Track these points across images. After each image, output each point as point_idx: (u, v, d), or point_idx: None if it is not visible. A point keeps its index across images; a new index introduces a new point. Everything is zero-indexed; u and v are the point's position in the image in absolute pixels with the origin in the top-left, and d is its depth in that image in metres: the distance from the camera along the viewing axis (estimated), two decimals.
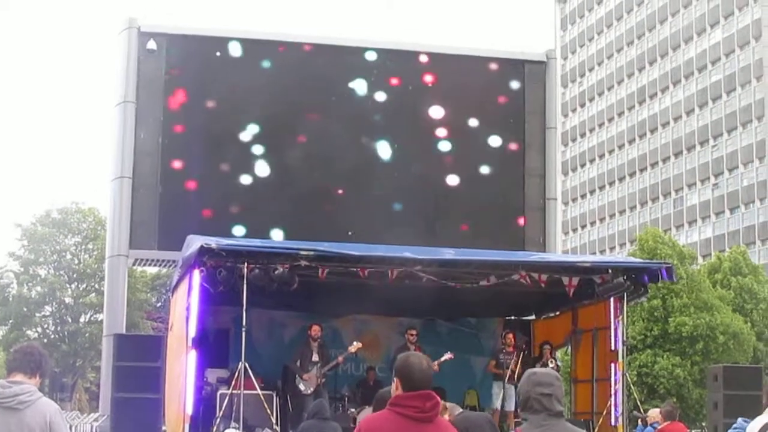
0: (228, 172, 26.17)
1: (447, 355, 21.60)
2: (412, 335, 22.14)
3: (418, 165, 27.21)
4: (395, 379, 6.64)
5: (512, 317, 26.89)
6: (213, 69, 26.61)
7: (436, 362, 21.04)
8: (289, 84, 26.80)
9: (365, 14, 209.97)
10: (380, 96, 27.22)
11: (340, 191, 26.56)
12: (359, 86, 27.14)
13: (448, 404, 13.50)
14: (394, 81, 27.42)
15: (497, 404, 22.53)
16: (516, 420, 20.64)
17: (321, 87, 27.04)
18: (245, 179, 26.14)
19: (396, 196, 26.94)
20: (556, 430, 6.23)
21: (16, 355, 7.69)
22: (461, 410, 13.91)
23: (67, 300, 77.32)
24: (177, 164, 25.98)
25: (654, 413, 19.36)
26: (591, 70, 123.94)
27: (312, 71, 27.01)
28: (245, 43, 26.85)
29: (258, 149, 26.31)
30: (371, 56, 27.38)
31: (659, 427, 14.84)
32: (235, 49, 26.75)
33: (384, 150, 27.04)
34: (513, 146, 27.81)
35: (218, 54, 26.66)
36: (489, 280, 21.59)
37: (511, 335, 23.20)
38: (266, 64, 26.82)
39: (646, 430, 20.97)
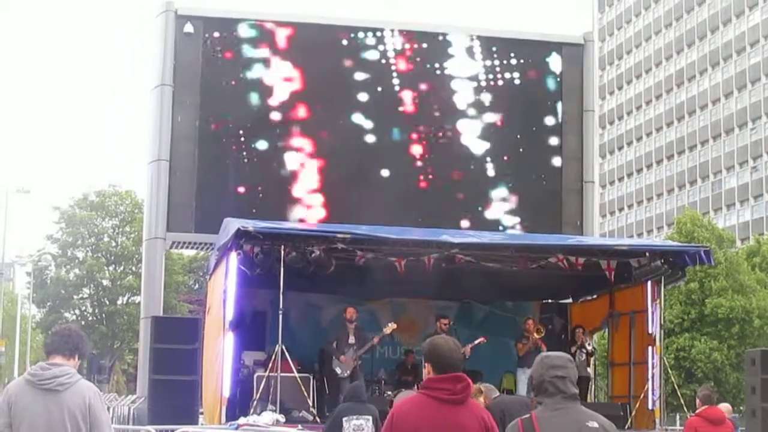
0: (266, 155, 26.18)
1: (479, 339, 21.54)
2: (444, 324, 21.81)
3: (454, 147, 27.13)
4: (425, 363, 6.67)
5: (549, 301, 26.86)
6: (249, 51, 26.64)
7: (468, 346, 21.02)
8: (326, 66, 26.78)
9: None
10: (412, 78, 27.18)
11: (382, 174, 26.52)
12: (392, 67, 27.08)
13: (484, 386, 13.46)
14: (428, 63, 27.36)
15: (522, 390, 22.36)
16: None
17: (359, 69, 27.03)
18: (282, 163, 26.16)
19: (433, 180, 26.87)
20: (572, 413, 6.19)
21: (55, 337, 7.70)
22: (498, 394, 13.88)
23: (105, 282, 77.62)
24: (214, 146, 26.04)
25: (723, 407, 18.93)
26: (629, 52, 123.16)
27: (348, 54, 27.03)
28: (282, 25, 26.83)
29: (295, 129, 26.31)
30: (396, 39, 27.28)
31: (697, 411, 14.71)
32: (272, 31, 26.77)
33: (416, 134, 27.01)
34: (550, 129, 27.70)
35: (255, 36, 26.69)
36: (526, 264, 21.57)
37: (530, 321, 23.04)
38: (301, 46, 26.79)
39: None
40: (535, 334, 22.34)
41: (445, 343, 6.71)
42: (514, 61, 27.74)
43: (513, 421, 6.26)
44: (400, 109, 26.96)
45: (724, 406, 19.08)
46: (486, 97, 27.36)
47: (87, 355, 8.02)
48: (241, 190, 26.01)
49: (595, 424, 6.17)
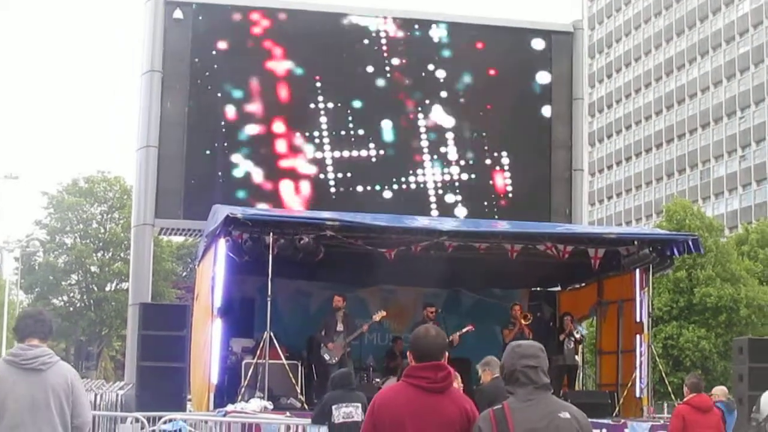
0: (255, 141, 26.14)
1: (467, 327, 21.55)
2: (431, 312, 21.78)
3: (443, 135, 27.12)
4: (408, 351, 6.71)
5: (538, 288, 26.89)
6: (238, 37, 26.60)
7: (457, 334, 21.05)
8: (317, 52, 26.75)
9: None
10: (399, 68, 27.14)
11: (372, 160, 26.53)
12: (384, 54, 27.07)
13: (492, 359, 13.36)
14: (419, 50, 27.35)
15: None
16: None
17: (350, 55, 27.04)
18: (272, 149, 26.12)
19: (424, 168, 26.87)
20: (543, 404, 6.18)
21: (29, 320, 7.86)
22: (498, 374, 13.73)
23: (93, 268, 77.58)
24: (203, 133, 25.98)
25: (718, 391, 18.97)
26: (618, 41, 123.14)
27: (340, 41, 27.03)
28: (272, 11, 26.78)
29: (285, 115, 26.28)
30: (388, 26, 27.28)
31: (685, 399, 14.72)
32: (261, 17, 26.72)
33: (406, 121, 27.00)
34: (540, 117, 27.71)
35: (245, 22, 26.64)
36: (515, 251, 21.57)
37: (517, 307, 23.02)
38: (292, 32, 26.75)
39: None
40: (522, 321, 22.35)
41: (426, 331, 6.70)
42: (504, 49, 27.76)
43: (485, 411, 6.24)
44: (392, 95, 26.94)
45: (720, 389, 19.12)
46: (476, 85, 27.37)
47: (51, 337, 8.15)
48: (230, 176, 25.96)
49: (567, 415, 6.16)
